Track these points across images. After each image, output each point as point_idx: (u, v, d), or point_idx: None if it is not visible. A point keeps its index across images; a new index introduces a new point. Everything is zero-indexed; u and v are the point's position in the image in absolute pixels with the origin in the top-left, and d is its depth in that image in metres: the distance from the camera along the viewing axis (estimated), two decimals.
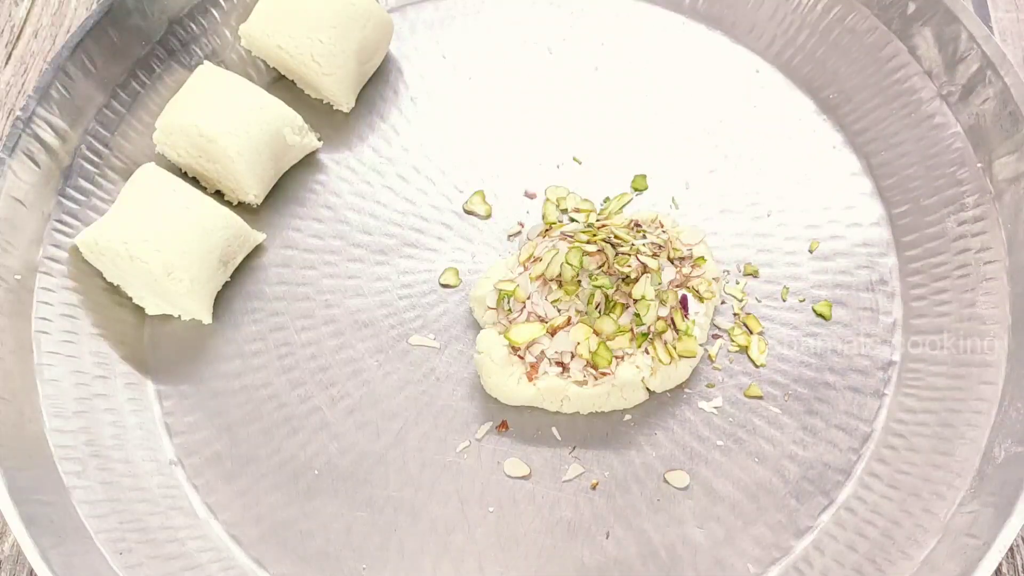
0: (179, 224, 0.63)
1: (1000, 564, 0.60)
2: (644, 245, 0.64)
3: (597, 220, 0.67)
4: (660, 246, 0.64)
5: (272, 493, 0.62)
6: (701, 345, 0.64)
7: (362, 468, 0.62)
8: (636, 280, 0.62)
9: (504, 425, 0.63)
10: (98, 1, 0.73)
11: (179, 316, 0.66)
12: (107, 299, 0.66)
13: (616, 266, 0.62)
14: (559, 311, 0.63)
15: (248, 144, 0.66)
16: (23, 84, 0.77)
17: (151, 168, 0.66)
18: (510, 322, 0.63)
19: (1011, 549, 0.62)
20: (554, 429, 0.63)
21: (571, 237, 0.64)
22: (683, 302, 0.63)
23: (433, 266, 0.68)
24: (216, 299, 0.66)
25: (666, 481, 0.62)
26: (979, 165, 0.68)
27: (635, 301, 0.62)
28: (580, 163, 0.72)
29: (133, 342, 0.66)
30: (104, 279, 0.66)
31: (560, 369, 0.62)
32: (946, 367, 0.64)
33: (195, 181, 0.70)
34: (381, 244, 0.69)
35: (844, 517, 0.61)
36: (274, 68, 0.74)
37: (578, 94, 0.74)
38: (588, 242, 0.63)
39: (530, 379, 0.62)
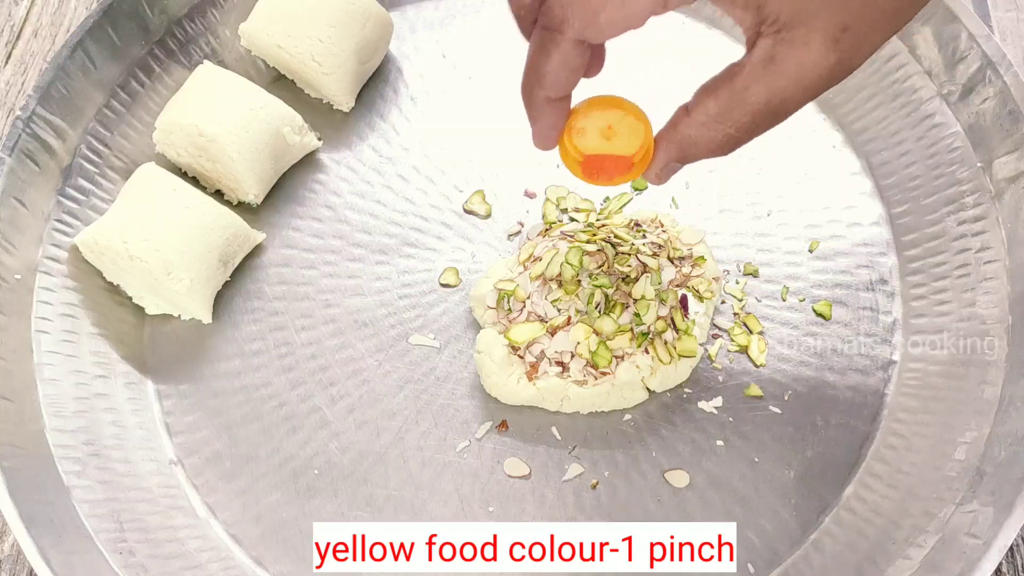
0: (179, 223, 0.63)
1: (1000, 564, 0.60)
2: (644, 245, 0.64)
3: (597, 220, 0.67)
4: (660, 246, 0.64)
5: (272, 493, 0.62)
6: (701, 345, 0.64)
7: (362, 467, 0.62)
8: (636, 280, 0.62)
9: (504, 425, 0.63)
10: (98, 1, 0.73)
11: (179, 316, 0.66)
12: (107, 299, 0.66)
13: (616, 266, 0.62)
14: (559, 311, 0.63)
15: (248, 144, 0.66)
16: (23, 84, 0.77)
17: (151, 168, 0.66)
18: (510, 322, 0.63)
19: (1011, 549, 0.62)
20: (554, 429, 0.63)
21: (571, 237, 0.64)
22: (683, 302, 0.63)
23: (433, 266, 0.68)
24: (216, 299, 0.66)
25: (666, 480, 0.62)
26: (979, 164, 0.68)
27: (635, 301, 0.62)
28: None
29: (133, 342, 0.66)
30: (104, 279, 0.66)
31: (560, 369, 0.62)
32: (946, 367, 0.64)
33: (195, 181, 0.70)
34: (381, 244, 0.69)
35: (844, 517, 0.61)
36: (274, 68, 0.74)
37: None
38: (588, 242, 0.63)
39: (530, 379, 0.62)
